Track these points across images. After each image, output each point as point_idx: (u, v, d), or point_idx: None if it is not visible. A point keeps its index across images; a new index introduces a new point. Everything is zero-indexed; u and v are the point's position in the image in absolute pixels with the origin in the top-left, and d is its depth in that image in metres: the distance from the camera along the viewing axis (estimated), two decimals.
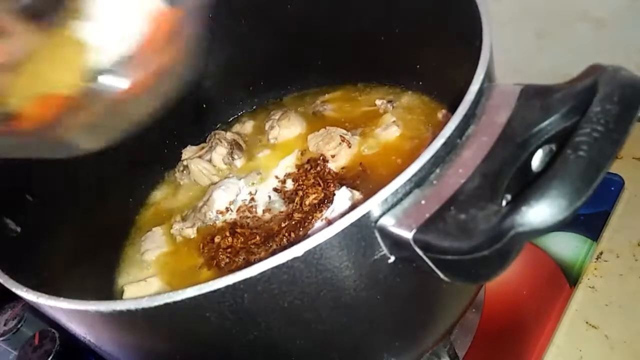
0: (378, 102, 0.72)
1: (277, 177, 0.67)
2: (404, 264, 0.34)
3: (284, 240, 0.56)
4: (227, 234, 0.60)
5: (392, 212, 0.33)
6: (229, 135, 0.75)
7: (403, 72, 0.70)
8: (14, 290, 0.38)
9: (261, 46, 0.73)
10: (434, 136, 0.35)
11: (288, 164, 0.69)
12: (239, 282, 0.31)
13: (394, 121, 0.67)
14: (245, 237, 0.58)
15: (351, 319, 0.38)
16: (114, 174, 0.68)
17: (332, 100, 0.76)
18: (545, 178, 0.29)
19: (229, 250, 0.58)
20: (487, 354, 0.59)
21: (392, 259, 0.34)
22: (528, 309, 0.61)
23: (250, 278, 0.31)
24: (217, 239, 0.60)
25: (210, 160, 0.73)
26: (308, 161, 0.67)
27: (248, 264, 0.32)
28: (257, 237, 0.58)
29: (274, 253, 0.32)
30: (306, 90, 0.80)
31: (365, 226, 0.33)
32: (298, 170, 0.66)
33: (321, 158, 0.66)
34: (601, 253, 0.64)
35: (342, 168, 0.65)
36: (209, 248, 0.61)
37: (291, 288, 0.33)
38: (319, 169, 0.64)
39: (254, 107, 0.82)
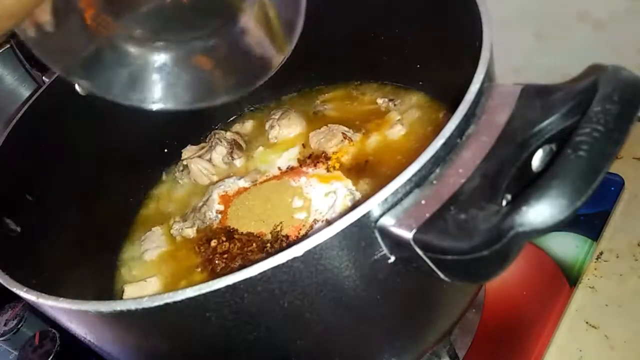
0: (379, 100, 0.72)
1: (279, 169, 0.68)
2: (404, 264, 0.34)
3: (283, 244, 0.56)
4: (224, 238, 0.60)
5: (392, 212, 0.33)
6: (229, 134, 0.75)
7: (403, 72, 0.70)
8: (14, 290, 0.38)
9: None
10: (435, 136, 0.35)
11: (291, 156, 0.69)
12: (239, 282, 0.31)
13: (398, 120, 0.67)
14: (242, 243, 0.58)
15: (351, 319, 0.38)
16: (114, 174, 0.68)
17: (332, 99, 0.76)
18: (545, 178, 0.29)
19: (225, 255, 0.58)
20: (487, 354, 0.59)
21: (392, 259, 0.34)
22: (528, 309, 0.61)
23: (250, 278, 0.31)
24: (213, 243, 0.60)
25: (210, 160, 0.73)
26: (310, 156, 0.67)
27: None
28: (254, 245, 0.58)
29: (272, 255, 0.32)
30: (306, 90, 0.80)
31: (365, 226, 0.32)
32: (300, 165, 0.66)
33: (323, 155, 0.66)
34: (601, 253, 0.64)
35: (343, 166, 0.65)
36: (205, 248, 0.61)
37: (291, 288, 0.33)
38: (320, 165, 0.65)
39: (254, 106, 0.82)
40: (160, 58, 0.50)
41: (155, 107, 0.50)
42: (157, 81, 0.51)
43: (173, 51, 0.50)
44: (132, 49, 0.49)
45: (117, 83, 0.49)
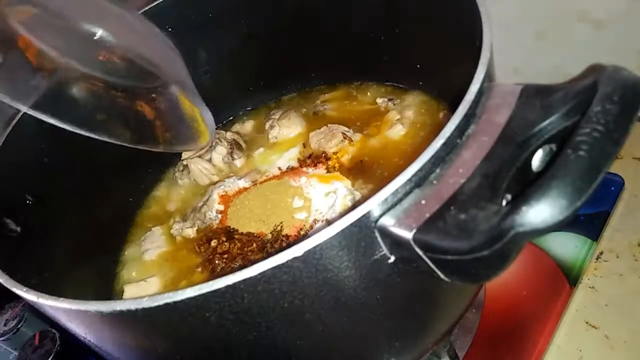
0: (379, 100, 0.72)
1: (279, 169, 0.68)
2: (404, 264, 0.34)
3: (283, 244, 0.56)
4: (224, 238, 0.60)
5: (392, 212, 0.33)
6: (229, 134, 0.75)
7: (403, 72, 0.70)
8: (14, 290, 0.38)
9: (261, 46, 0.73)
10: (435, 136, 0.35)
11: (291, 156, 0.70)
12: (239, 282, 0.31)
13: (398, 119, 0.67)
14: (242, 243, 0.58)
15: (351, 319, 0.38)
16: (114, 174, 0.68)
17: (332, 99, 0.76)
18: (545, 178, 0.29)
19: (225, 255, 0.58)
20: (487, 354, 0.59)
21: (392, 259, 0.34)
22: (528, 309, 0.61)
23: (250, 278, 0.31)
24: (213, 243, 0.60)
25: (210, 160, 0.73)
26: (310, 156, 0.67)
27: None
28: (254, 245, 0.58)
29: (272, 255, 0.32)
30: (306, 90, 0.80)
31: (365, 226, 0.32)
32: (300, 166, 0.67)
33: (323, 155, 0.66)
34: (601, 253, 0.64)
35: (343, 166, 0.65)
36: (205, 249, 0.61)
37: (291, 288, 0.33)
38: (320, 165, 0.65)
39: (254, 106, 0.82)
40: (104, 92, 0.54)
41: (93, 134, 0.53)
42: (99, 111, 0.55)
43: (117, 89, 0.54)
44: (77, 80, 0.52)
45: (58, 106, 0.52)
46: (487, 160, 0.34)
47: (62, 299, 0.35)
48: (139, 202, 0.73)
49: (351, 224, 0.32)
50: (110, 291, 0.63)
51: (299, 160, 0.68)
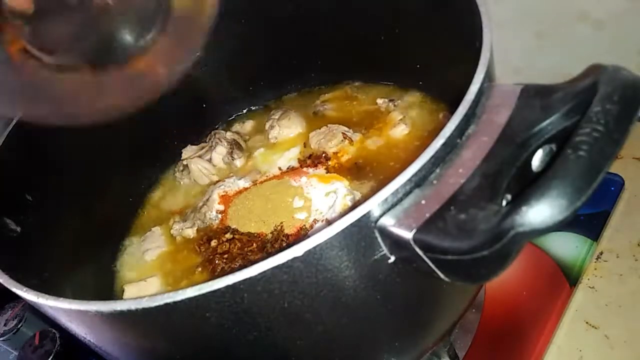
0: (379, 101, 0.72)
1: (280, 169, 0.68)
2: (404, 264, 0.34)
3: (283, 244, 0.56)
4: (224, 238, 0.60)
5: (392, 212, 0.33)
6: (229, 134, 0.75)
7: (403, 72, 0.70)
8: (14, 290, 0.38)
9: (261, 46, 0.73)
10: (435, 136, 0.35)
11: (292, 156, 0.70)
12: (239, 282, 0.31)
13: (401, 119, 0.67)
14: (243, 243, 0.58)
15: (351, 319, 0.38)
16: (114, 174, 0.68)
17: (332, 99, 0.76)
18: (545, 178, 0.29)
19: (225, 256, 0.58)
20: (487, 354, 0.59)
21: (392, 259, 0.34)
22: (528, 309, 0.60)
23: (250, 278, 0.31)
24: (213, 243, 0.60)
25: (210, 160, 0.73)
26: (310, 157, 0.67)
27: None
28: (254, 245, 0.58)
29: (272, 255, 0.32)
30: (306, 90, 0.80)
31: (365, 226, 0.33)
32: (300, 166, 0.67)
33: (323, 155, 0.66)
34: (601, 253, 0.64)
35: (343, 166, 0.65)
36: (205, 249, 0.61)
37: (291, 288, 0.33)
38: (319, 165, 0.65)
39: (254, 106, 0.82)
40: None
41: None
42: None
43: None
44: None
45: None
46: (487, 160, 0.34)
47: (62, 299, 0.35)
48: (139, 202, 0.73)
49: (351, 224, 0.32)
50: (110, 291, 0.63)
51: (299, 160, 0.68)
